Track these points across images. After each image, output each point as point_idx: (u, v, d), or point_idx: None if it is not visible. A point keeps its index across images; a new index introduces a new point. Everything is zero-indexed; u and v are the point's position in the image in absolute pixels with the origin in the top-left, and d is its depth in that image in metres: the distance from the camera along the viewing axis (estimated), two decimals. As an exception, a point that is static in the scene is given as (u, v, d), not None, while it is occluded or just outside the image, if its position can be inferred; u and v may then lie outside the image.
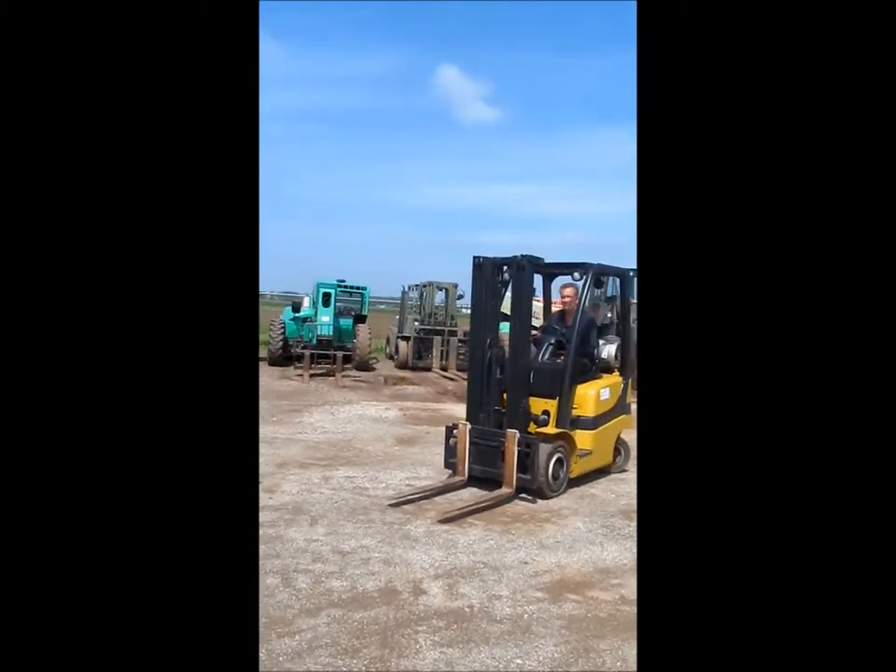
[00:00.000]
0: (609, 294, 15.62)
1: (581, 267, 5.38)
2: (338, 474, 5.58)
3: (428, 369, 15.37)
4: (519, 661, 2.70)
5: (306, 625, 2.90)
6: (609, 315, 16.07)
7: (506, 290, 5.27)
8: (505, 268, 5.14)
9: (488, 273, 5.12)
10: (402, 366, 15.71)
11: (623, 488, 5.61)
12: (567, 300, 5.75)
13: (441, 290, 16.55)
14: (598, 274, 5.46)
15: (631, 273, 16.43)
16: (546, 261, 5.32)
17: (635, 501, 5.13)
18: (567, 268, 5.58)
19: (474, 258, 5.15)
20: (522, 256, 5.01)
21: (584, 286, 5.36)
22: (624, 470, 6.12)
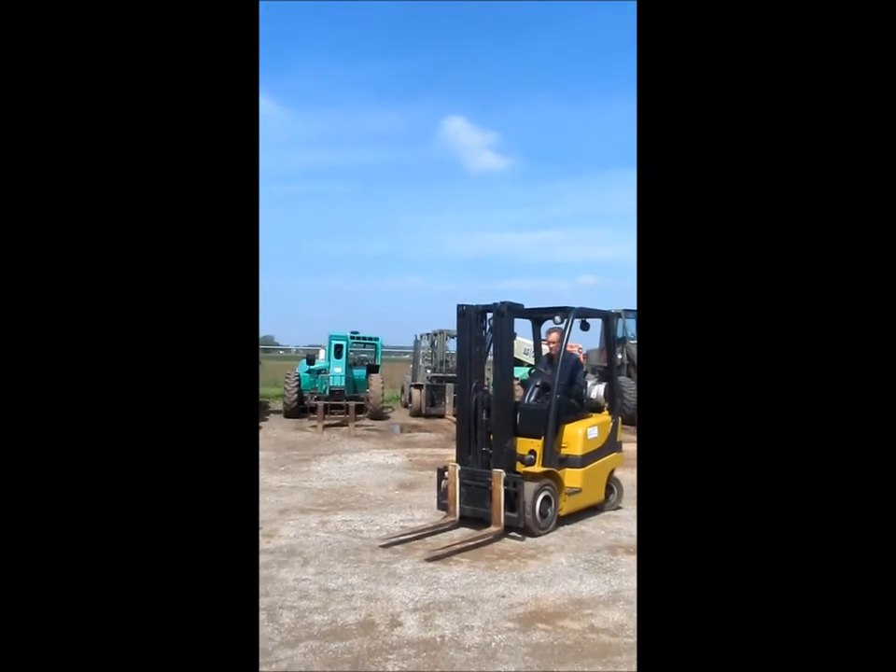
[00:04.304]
0: (619, 336, 15.82)
1: (562, 311, 5.63)
2: (335, 518, 5.78)
3: (442, 416, 15.53)
4: (479, 684, 2.87)
5: (283, 656, 3.10)
6: (620, 356, 16.17)
7: (493, 336, 5.48)
8: (489, 314, 5.40)
9: (471, 320, 5.38)
10: (416, 414, 15.90)
11: (614, 525, 5.72)
12: (552, 344, 5.97)
13: (452, 338, 16.82)
14: (580, 317, 5.68)
15: (618, 314, 16.35)
16: (527, 307, 5.58)
17: (623, 537, 5.29)
18: (548, 312, 5.83)
19: (458, 306, 5.43)
20: (502, 302, 5.28)
21: (566, 329, 5.59)
22: (618, 507, 6.23)
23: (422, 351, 17.36)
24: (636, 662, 3.07)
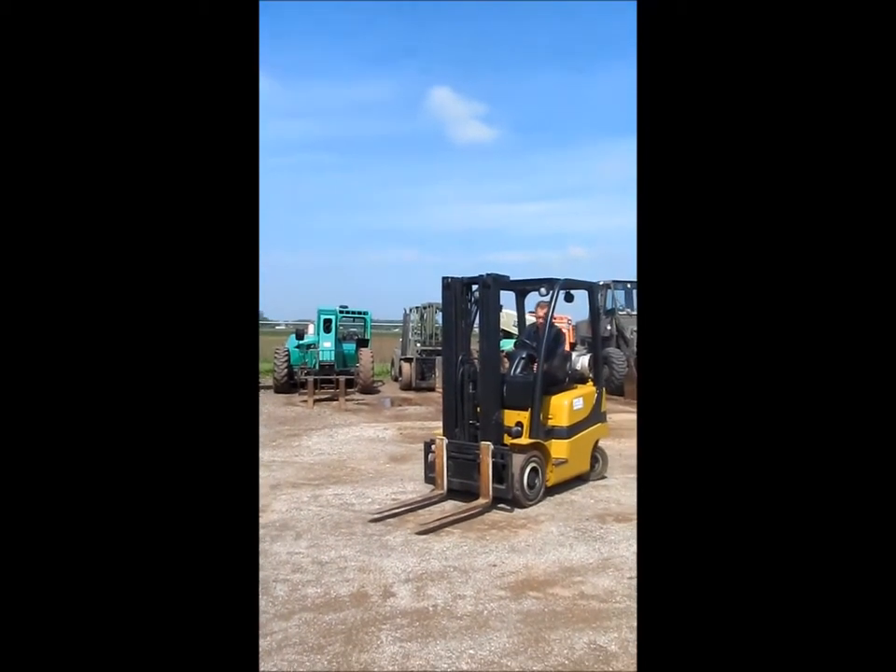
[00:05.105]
0: (608, 307, 15.85)
1: (548, 283, 5.62)
2: (327, 492, 5.82)
3: (432, 389, 15.59)
4: (472, 651, 2.92)
5: (278, 628, 3.14)
6: (609, 327, 16.27)
7: (476, 308, 5.47)
8: (474, 287, 5.39)
9: (457, 292, 5.37)
10: (406, 387, 15.95)
11: (604, 494, 5.80)
12: (540, 321, 5.95)
13: (441, 311, 16.80)
14: (565, 289, 5.68)
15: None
16: (512, 278, 5.57)
17: (612, 505, 5.38)
18: (534, 284, 5.83)
19: (443, 278, 5.41)
20: (488, 274, 5.26)
21: (552, 300, 5.60)
22: (603, 477, 6.32)
23: (411, 324, 17.35)
24: (624, 627, 3.15)
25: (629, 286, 16.20)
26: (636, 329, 15.08)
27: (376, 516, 4.97)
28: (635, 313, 15.94)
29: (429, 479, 5.63)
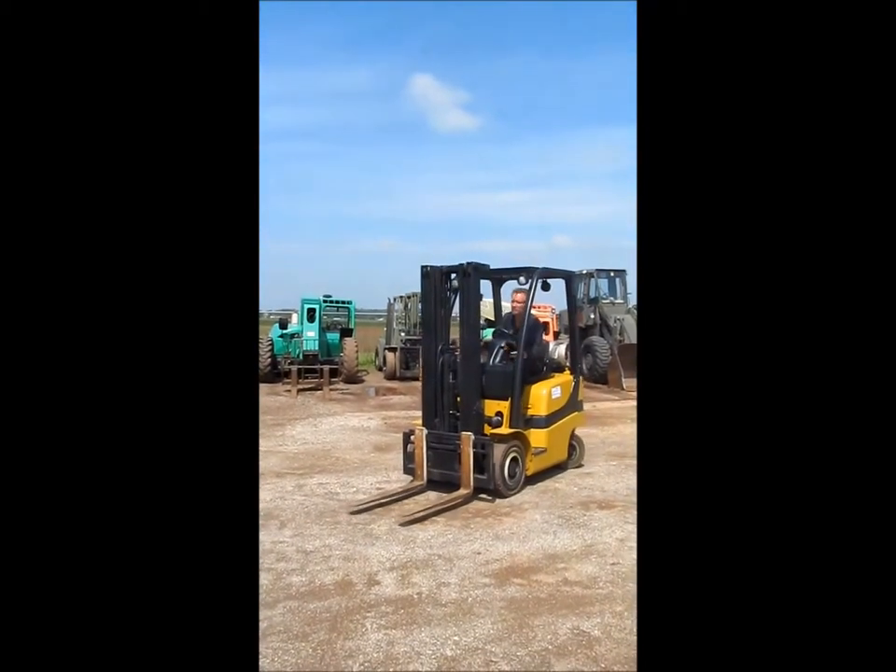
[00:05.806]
0: (591, 296, 15.92)
1: (526, 271, 5.62)
2: (311, 482, 5.82)
3: (416, 378, 15.56)
4: (456, 638, 2.93)
5: (263, 616, 3.13)
6: (592, 316, 16.31)
7: (456, 297, 5.43)
8: (453, 275, 5.36)
9: (436, 281, 5.34)
10: (391, 377, 15.94)
11: (587, 481, 5.85)
12: (517, 305, 5.92)
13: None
14: (544, 277, 5.67)
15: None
16: (491, 267, 5.56)
17: (596, 493, 5.41)
18: (512, 272, 5.82)
19: (422, 267, 5.37)
20: (468, 263, 5.24)
21: (531, 289, 5.60)
22: (580, 465, 6.38)
23: (396, 314, 17.32)
24: (607, 613, 3.19)
25: (612, 274, 16.29)
26: (619, 317, 15.20)
27: (354, 509, 4.92)
28: (618, 301, 16.07)
29: (408, 469, 5.58)
